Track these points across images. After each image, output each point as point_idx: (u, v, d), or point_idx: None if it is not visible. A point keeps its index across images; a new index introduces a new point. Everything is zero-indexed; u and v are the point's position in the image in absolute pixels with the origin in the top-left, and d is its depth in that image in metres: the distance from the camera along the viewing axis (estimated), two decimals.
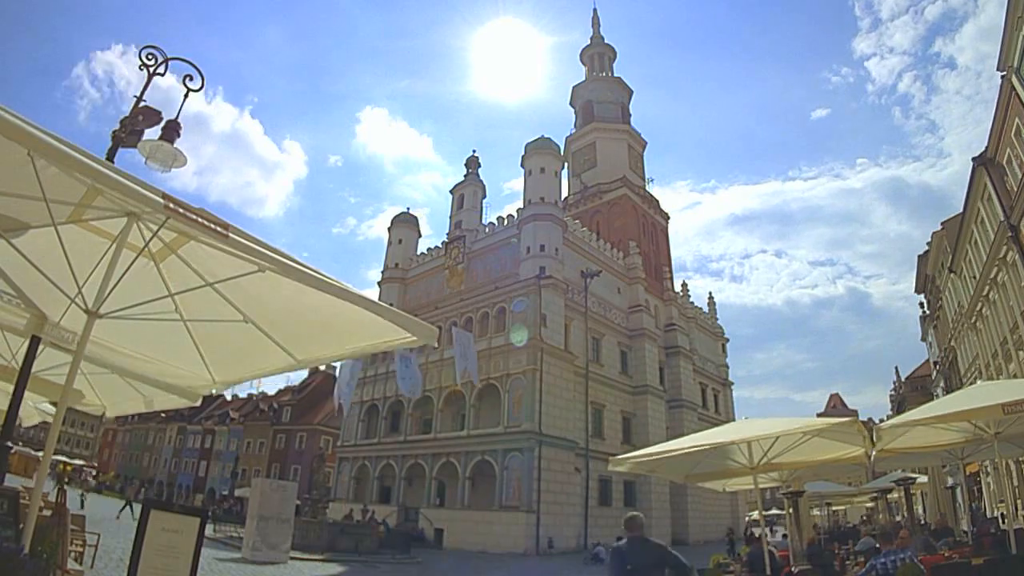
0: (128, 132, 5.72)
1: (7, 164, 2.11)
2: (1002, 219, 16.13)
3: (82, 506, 21.02)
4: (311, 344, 3.61)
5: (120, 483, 58.30)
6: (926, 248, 27.62)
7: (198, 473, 59.76)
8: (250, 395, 62.89)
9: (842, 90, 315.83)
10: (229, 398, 63.99)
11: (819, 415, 58.77)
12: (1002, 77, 15.11)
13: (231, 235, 2.33)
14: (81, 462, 46.32)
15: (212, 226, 2.28)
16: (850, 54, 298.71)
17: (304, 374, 57.73)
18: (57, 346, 3.78)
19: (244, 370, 4.15)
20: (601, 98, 51.68)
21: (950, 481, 26.30)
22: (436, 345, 3.42)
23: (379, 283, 40.56)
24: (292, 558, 16.95)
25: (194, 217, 2.24)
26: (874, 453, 7.73)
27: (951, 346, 26.72)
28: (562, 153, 38.61)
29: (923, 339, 34.14)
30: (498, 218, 35.67)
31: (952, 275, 23.60)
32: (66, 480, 30.04)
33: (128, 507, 25.56)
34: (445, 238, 38.68)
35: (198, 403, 4.97)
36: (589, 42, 57.63)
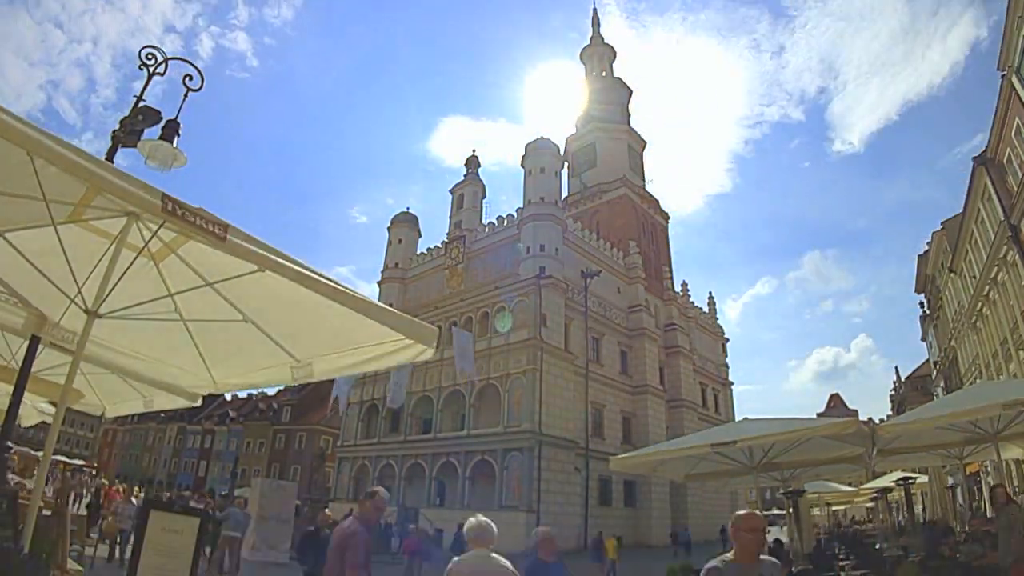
0: (127, 132, 5.72)
1: (6, 164, 2.11)
2: (1002, 219, 16.14)
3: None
4: (312, 344, 3.60)
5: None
6: (926, 248, 27.63)
7: (198, 473, 59.73)
8: (250, 395, 62.92)
9: None
10: (229, 398, 63.94)
11: (819, 415, 58.80)
12: (1002, 77, 15.12)
13: (229, 237, 2.32)
14: (81, 462, 46.25)
15: (210, 228, 2.28)
16: None
17: None
18: (57, 346, 3.78)
19: (244, 373, 4.14)
20: (601, 98, 51.68)
21: (950, 481, 26.28)
22: (435, 348, 3.39)
23: (379, 283, 40.55)
24: (292, 558, 16.92)
25: (192, 219, 2.24)
26: (874, 453, 7.74)
27: (951, 346, 26.73)
28: (562, 153, 38.62)
29: (923, 339, 34.14)
30: (498, 218, 35.73)
31: (952, 275, 23.60)
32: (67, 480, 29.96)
33: None
34: (445, 238, 38.72)
35: (198, 403, 4.97)
36: (589, 42, 57.60)
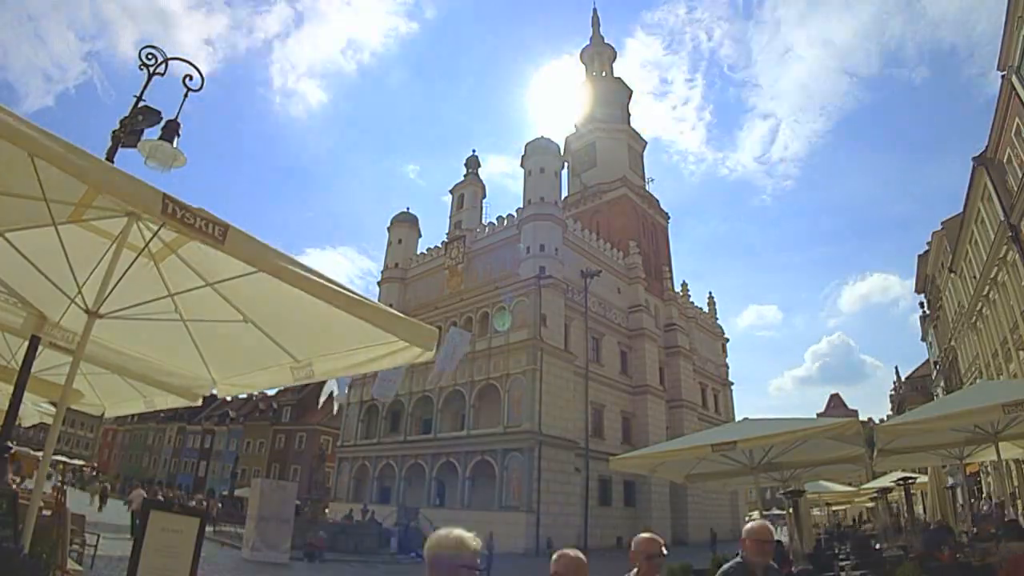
0: (128, 132, 5.72)
1: (6, 164, 2.12)
2: (1002, 219, 16.14)
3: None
4: (312, 345, 3.59)
5: (121, 483, 58.29)
6: (926, 248, 27.63)
7: (198, 473, 59.74)
8: (250, 395, 62.87)
9: None
10: (229, 398, 63.88)
11: (819, 415, 58.81)
12: (1002, 77, 15.13)
13: (228, 240, 2.32)
14: (81, 462, 46.31)
15: (209, 231, 2.27)
16: None
17: None
18: (57, 346, 3.78)
19: (244, 374, 4.14)
20: (601, 98, 51.70)
21: (950, 481, 26.28)
22: (436, 349, 3.37)
23: (379, 283, 40.56)
24: (292, 558, 16.92)
25: (191, 221, 2.23)
26: (874, 453, 7.74)
27: (951, 346, 26.74)
28: (562, 153, 38.64)
29: (923, 339, 34.15)
30: (498, 218, 35.74)
31: (952, 275, 23.60)
32: (65, 480, 30.01)
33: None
34: (445, 238, 38.72)
35: (198, 403, 4.96)
36: (589, 42, 57.63)
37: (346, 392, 32.72)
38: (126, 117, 5.82)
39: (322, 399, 31.24)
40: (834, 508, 31.24)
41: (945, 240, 23.80)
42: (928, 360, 35.28)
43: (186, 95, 5.73)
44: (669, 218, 49.55)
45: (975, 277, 20.17)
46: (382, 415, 35.07)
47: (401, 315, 3.06)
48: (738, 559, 3.23)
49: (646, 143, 52.83)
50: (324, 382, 37.39)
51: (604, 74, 54.89)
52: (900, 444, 8.13)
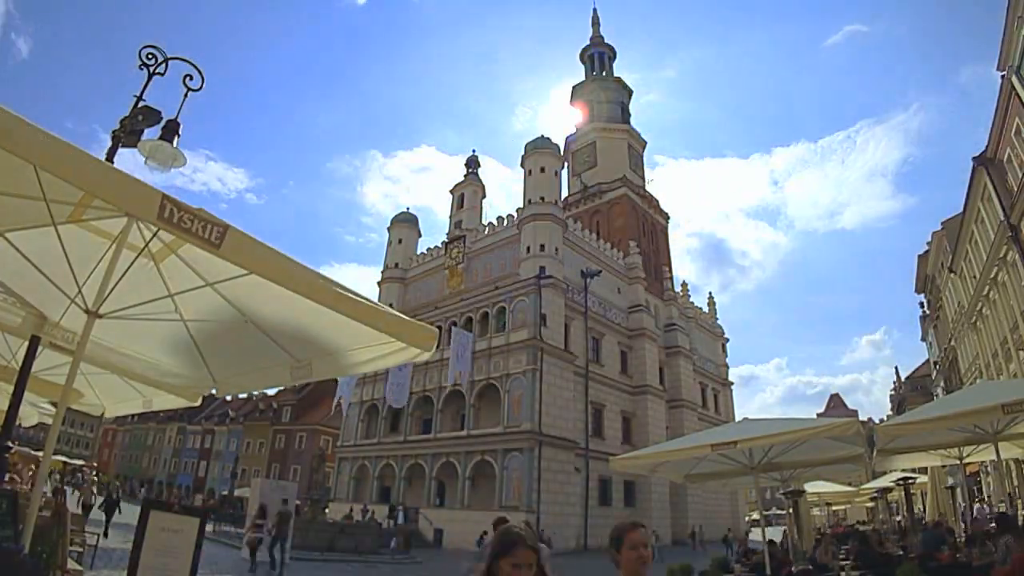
0: (128, 132, 5.72)
1: (6, 164, 2.12)
2: (1002, 219, 16.14)
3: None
4: (312, 345, 3.60)
5: (120, 483, 58.24)
6: (926, 248, 27.64)
7: (198, 473, 59.73)
8: (250, 395, 62.86)
9: None
10: (229, 398, 63.89)
11: (819, 415, 58.82)
12: (1002, 77, 15.13)
13: (226, 243, 2.31)
14: (81, 462, 46.31)
15: (206, 235, 2.26)
16: None
17: None
18: (57, 346, 3.78)
19: (244, 373, 4.14)
20: (601, 98, 51.68)
21: (950, 481, 26.30)
22: (435, 349, 3.38)
23: (379, 283, 40.56)
24: (292, 558, 16.90)
25: (188, 224, 2.22)
26: (874, 453, 7.75)
27: (951, 346, 26.74)
28: (562, 153, 38.64)
29: (923, 339, 34.15)
30: (498, 218, 35.70)
31: (952, 275, 23.61)
32: (66, 480, 30.03)
33: None
34: (445, 238, 38.72)
35: (198, 403, 4.96)
36: (589, 42, 57.58)
37: (350, 394, 32.80)
38: (125, 117, 5.82)
39: (335, 404, 31.42)
40: (834, 508, 31.24)
41: (945, 240, 23.81)
42: (928, 360, 35.29)
43: (186, 95, 5.72)
44: (669, 218, 49.55)
45: (975, 277, 20.18)
46: (382, 415, 35.06)
47: (400, 314, 3.06)
48: None
49: (646, 143, 52.81)
50: (327, 381, 37.35)
51: (604, 74, 54.88)
52: (900, 444, 8.14)
